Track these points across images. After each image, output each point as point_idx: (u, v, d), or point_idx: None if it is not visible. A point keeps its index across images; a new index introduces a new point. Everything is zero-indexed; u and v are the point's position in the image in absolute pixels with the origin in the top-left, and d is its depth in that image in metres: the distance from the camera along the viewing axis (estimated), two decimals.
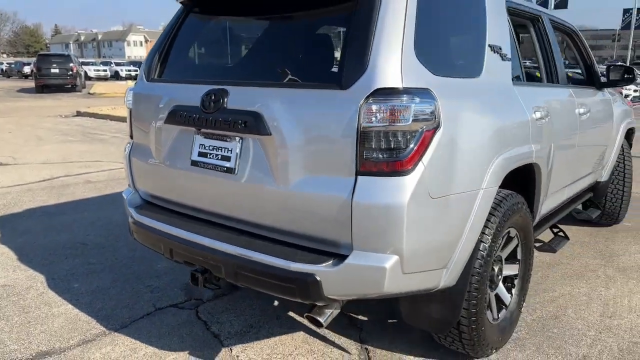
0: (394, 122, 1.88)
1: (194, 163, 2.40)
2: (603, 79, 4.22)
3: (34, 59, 28.67)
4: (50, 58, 24.41)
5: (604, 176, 4.44)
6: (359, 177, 1.92)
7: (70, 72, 23.98)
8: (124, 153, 2.87)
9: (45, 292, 3.39)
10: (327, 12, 2.32)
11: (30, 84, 27.17)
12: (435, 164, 1.97)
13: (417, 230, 1.94)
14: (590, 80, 4.18)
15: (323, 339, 2.85)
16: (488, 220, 2.36)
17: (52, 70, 23.58)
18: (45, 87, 23.78)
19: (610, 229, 4.82)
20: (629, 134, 4.92)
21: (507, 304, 2.77)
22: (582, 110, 3.50)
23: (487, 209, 2.27)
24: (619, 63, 5.11)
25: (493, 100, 2.41)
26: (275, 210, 2.14)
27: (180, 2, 2.74)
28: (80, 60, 37.55)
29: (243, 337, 2.86)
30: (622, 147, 4.59)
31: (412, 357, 2.67)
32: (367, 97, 1.89)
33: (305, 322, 3.00)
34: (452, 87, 2.15)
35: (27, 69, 38.61)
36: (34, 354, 2.68)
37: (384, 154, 1.88)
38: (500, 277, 2.71)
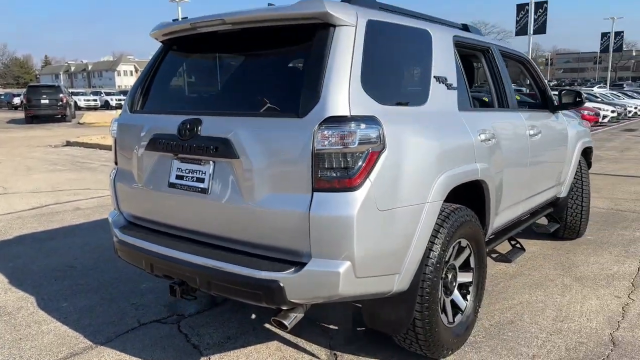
0: (343, 145, 2.16)
1: (172, 185, 2.66)
2: (558, 102, 4.56)
3: (23, 90, 28.95)
4: (40, 89, 24.75)
5: (563, 192, 4.75)
6: (315, 194, 2.19)
7: (60, 103, 24.26)
8: (110, 178, 3.13)
9: (35, 311, 3.59)
10: (288, 51, 2.62)
11: (20, 115, 27.38)
12: (382, 181, 2.25)
13: (366, 238, 2.21)
14: (544, 104, 4.52)
15: (295, 346, 3.08)
16: (437, 230, 2.64)
17: (42, 101, 23.87)
18: (35, 117, 24.04)
19: (573, 242, 5.11)
20: (587, 153, 5.26)
21: (463, 309, 3.02)
22: (532, 132, 3.81)
23: (433, 220, 2.54)
24: (570, 88, 5.51)
25: (437, 125, 2.70)
26: (244, 224, 2.41)
27: (161, 42, 3.05)
28: (70, 90, 37.95)
29: (221, 347, 3.07)
30: (579, 165, 4.92)
31: (373, 359, 2.91)
32: (320, 124, 2.17)
33: (280, 332, 3.23)
34: (397, 114, 2.45)
35: (16, 100, 38.87)
36: None
37: (336, 172, 2.16)
38: (455, 284, 2.97)
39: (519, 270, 4.34)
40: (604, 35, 43.91)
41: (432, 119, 2.70)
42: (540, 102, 4.56)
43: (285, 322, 2.33)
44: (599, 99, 24.92)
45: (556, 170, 4.43)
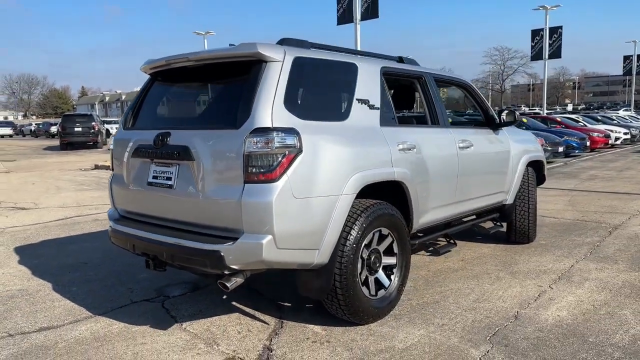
0: (265, 149, 2.93)
1: (149, 183, 3.48)
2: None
3: (59, 120, 30.80)
4: (74, 118, 26.47)
5: (509, 199, 5.38)
6: (246, 185, 2.96)
7: (92, 130, 25.84)
8: (107, 182, 3.97)
9: (50, 293, 4.42)
10: (233, 80, 3.41)
11: (56, 142, 29.13)
12: (298, 176, 3.00)
13: (284, 218, 2.95)
14: (487, 122, 5.20)
15: (252, 317, 3.80)
16: (355, 218, 3.36)
17: (76, 129, 25.48)
18: (69, 144, 25.64)
19: (525, 246, 5.70)
20: (538, 166, 5.90)
21: (387, 286, 3.71)
22: (463, 145, 4.50)
23: (346, 209, 3.26)
24: (507, 107, 6.06)
25: (355, 136, 3.44)
26: (198, 211, 3.19)
27: (148, 74, 3.91)
28: (103, 119, 39.87)
29: (193, 317, 3.82)
30: (527, 176, 5.55)
31: (313, 325, 3.60)
32: (250, 133, 2.96)
33: (242, 307, 3.96)
34: (316, 127, 3.21)
35: (53, 129, 41.06)
36: (37, 328, 3.68)
37: (260, 169, 2.93)
38: (379, 265, 3.67)
39: (463, 266, 4.98)
40: (626, 58, 43.90)
41: (351, 131, 3.45)
42: (485, 120, 5.25)
43: (227, 284, 3.07)
44: (614, 121, 25.12)
45: (496, 179, 5.09)
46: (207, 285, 4.46)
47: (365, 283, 3.57)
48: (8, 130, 49.56)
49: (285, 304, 4.03)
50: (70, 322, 3.78)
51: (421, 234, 4.30)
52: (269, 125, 2.97)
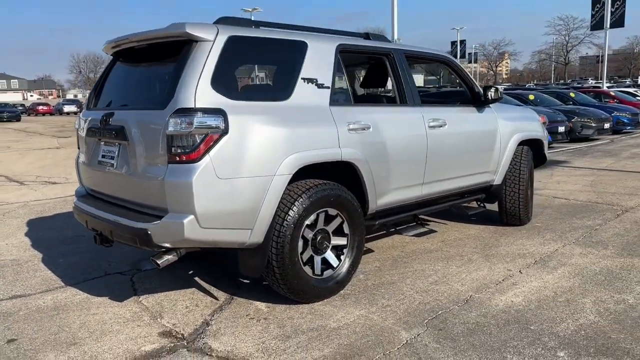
0: (186, 129, 2.98)
1: (99, 162, 3.63)
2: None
3: None
4: None
5: (496, 180, 5.19)
6: (169, 165, 3.03)
7: None
8: (75, 160, 4.17)
9: (37, 263, 4.72)
10: (167, 60, 3.40)
11: None
12: (222, 156, 3.03)
13: (206, 198, 3.00)
14: (472, 99, 5.01)
15: (206, 292, 3.92)
16: (294, 199, 3.37)
17: None
18: None
19: (516, 228, 5.50)
20: (538, 145, 5.64)
21: (335, 267, 3.71)
22: (434, 124, 4.37)
23: (280, 189, 3.27)
24: (493, 85, 5.72)
25: (295, 117, 3.42)
26: (133, 190, 3.31)
27: (110, 55, 4.03)
28: None
29: (152, 290, 3.98)
30: (519, 155, 5.32)
31: (259, 302, 3.67)
32: (172, 114, 3.01)
33: (201, 282, 4.09)
34: (248, 108, 3.22)
35: None
36: (10, 295, 3.96)
37: (181, 149, 2.98)
38: (327, 245, 3.67)
39: (440, 247, 4.88)
40: None
41: (292, 111, 3.43)
42: (470, 97, 5.05)
43: (158, 261, 3.18)
44: None
45: (479, 158, 4.91)
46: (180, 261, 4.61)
47: (310, 262, 3.59)
48: (73, 108, 52.31)
49: (244, 281, 4.13)
50: (41, 291, 4.04)
51: (384, 215, 4.23)
52: (191, 105, 3.01)
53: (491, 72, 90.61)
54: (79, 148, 4.12)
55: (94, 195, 3.89)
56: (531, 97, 15.51)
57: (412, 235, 4.63)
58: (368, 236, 5.08)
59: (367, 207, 3.92)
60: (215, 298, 3.79)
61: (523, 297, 3.69)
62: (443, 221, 5.83)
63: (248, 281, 4.10)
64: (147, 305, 3.72)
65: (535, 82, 75.57)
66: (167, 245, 3.10)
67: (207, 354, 2.99)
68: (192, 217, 3.00)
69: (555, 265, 4.33)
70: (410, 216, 4.47)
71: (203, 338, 3.18)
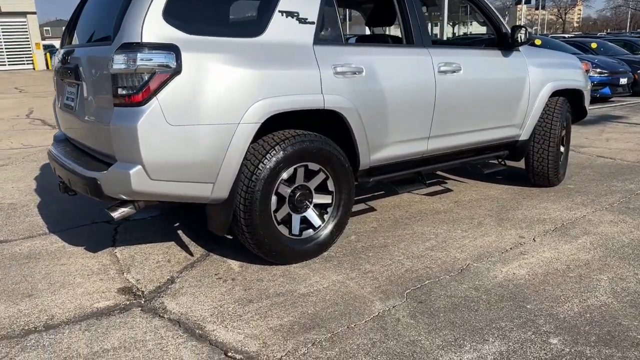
0: (130, 67, 2.63)
1: (65, 105, 3.38)
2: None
3: None
4: None
5: (523, 135, 4.61)
6: (115, 108, 2.72)
7: None
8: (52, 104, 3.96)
9: (32, 209, 4.65)
10: None
11: None
12: (173, 99, 2.69)
13: (155, 147, 2.69)
14: (499, 41, 4.38)
15: (184, 247, 3.69)
16: (267, 150, 3.02)
17: None
18: None
19: (544, 189, 4.93)
20: (578, 97, 4.98)
21: (317, 227, 3.37)
22: (446, 69, 3.83)
23: (247, 140, 2.91)
24: (522, 25, 4.90)
25: (267, 56, 3.00)
26: (89, 134, 3.04)
27: None
28: None
29: (131, 242, 3.79)
30: (552, 108, 4.69)
31: (234, 261, 3.40)
32: (117, 49, 2.67)
33: (183, 237, 3.87)
34: (209, 44, 2.83)
35: None
36: None
37: (126, 90, 2.66)
38: (308, 203, 3.32)
39: (450, 208, 4.42)
40: None
41: (264, 50, 3.01)
42: (495, 40, 4.43)
43: (112, 214, 2.94)
44: None
45: (502, 110, 4.33)
46: (169, 212, 4.41)
47: (287, 222, 3.26)
48: None
49: (228, 236, 3.87)
50: (23, 237, 3.94)
51: (380, 172, 3.80)
52: (136, 40, 2.66)
53: (560, 20, 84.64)
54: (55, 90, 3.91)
55: (69, 141, 3.68)
56: (593, 45, 14.13)
57: (409, 192, 4.18)
58: (375, 194, 4.69)
59: (359, 162, 3.51)
60: (191, 254, 3.56)
61: (528, 269, 3.23)
62: (462, 179, 5.32)
63: (231, 237, 3.84)
64: (119, 257, 3.54)
65: (608, 31, 69.80)
66: (118, 196, 2.85)
67: (159, 315, 2.77)
68: (139, 167, 2.71)
69: (577, 234, 3.80)
70: (413, 174, 4.02)
71: (161, 297, 2.96)
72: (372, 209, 4.37)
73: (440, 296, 2.90)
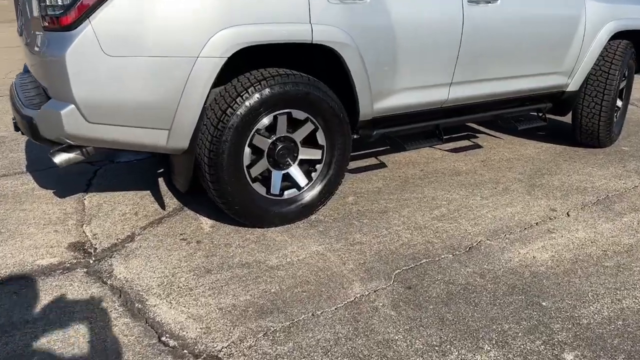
0: None
1: (18, 29, 2.93)
2: None
3: None
4: None
5: (572, 85, 3.86)
6: (45, 33, 2.24)
7: None
8: None
9: (19, 144, 4.33)
10: None
11: None
12: (111, 24, 2.17)
13: (90, 83, 2.21)
14: None
15: (157, 197, 3.27)
16: (239, 93, 2.49)
17: None
18: None
19: (592, 151, 4.20)
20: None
21: (302, 186, 2.86)
22: None
23: (209, 78, 2.38)
24: None
25: None
26: (30, 63, 2.60)
27: None
28: None
29: (104, 188, 3.41)
30: (612, 52, 3.88)
31: (207, 219, 2.97)
32: None
33: (161, 185, 3.46)
34: None
35: None
36: None
37: (53, 9, 2.15)
38: (291, 158, 2.81)
39: (474, 168, 3.79)
40: None
41: None
42: None
43: (54, 159, 2.53)
44: None
45: (547, 54, 3.58)
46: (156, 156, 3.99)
47: (266, 179, 2.78)
48: None
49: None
50: (2, 175, 3.65)
51: (386, 124, 3.20)
52: None
53: None
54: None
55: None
56: None
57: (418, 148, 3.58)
58: (387, 147, 4.09)
59: (358, 112, 2.93)
60: (163, 207, 3.14)
61: (553, 252, 2.64)
62: (496, 134, 4.63)
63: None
64: (86, 205, 3.17)
65: None
66: (57, 139, 2.41)
67: (102, 281, 2.39)
68: (71, 107, 2.24)
69: (622, 210, 3.14)
70: (429, 127, 3.39)
71: (112, 258, 2.57)
72: (382, 165, 3.80)
73: (435, 281, 2.38)
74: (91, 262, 2.55)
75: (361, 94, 2.87)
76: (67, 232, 2.83)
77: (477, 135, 4.58)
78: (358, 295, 2.28)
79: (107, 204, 3.18)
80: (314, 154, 2.86)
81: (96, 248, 2.68)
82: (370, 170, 3.70)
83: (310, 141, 2.84)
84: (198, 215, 3.02)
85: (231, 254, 2.60)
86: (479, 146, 4.26)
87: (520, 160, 3.98)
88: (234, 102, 2.50)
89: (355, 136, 3.11)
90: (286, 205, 2.83)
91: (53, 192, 3.35)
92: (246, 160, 2.65)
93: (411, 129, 3.30)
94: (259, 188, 2.75)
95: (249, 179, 2.68)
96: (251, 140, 2.63)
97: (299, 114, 2.72)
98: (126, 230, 2.86)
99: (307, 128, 2.78)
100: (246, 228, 2.84)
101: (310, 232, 2.83)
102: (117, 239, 2.76)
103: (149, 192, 3.36)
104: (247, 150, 2.63)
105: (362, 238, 2.76)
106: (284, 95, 2.59)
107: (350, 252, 2.62)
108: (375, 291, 2.30)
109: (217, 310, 2.17)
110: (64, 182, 3.49)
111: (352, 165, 3.68)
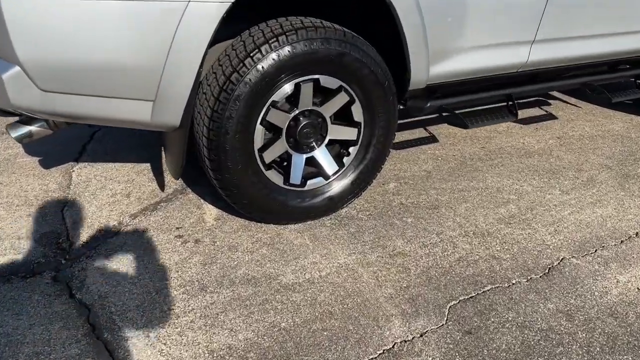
0: None
1: None
2: None
3: None
4: None
5: None
6: None
7: None
8: None
9: None
10: None
11: None
12: None
13: (39, 35, 1.58)
14: None
15: (157, 175, 2.71)
16: (248, 53, 1.84)
17: None
18: None
19: None
20: None
21: (330, 174, 2.22)
22: None
23: (206, 30, 1.72)
24: None
25: None
26: None
27: None
28: None
29: (97, 159, 2.86)
30: None
31: (213, 208, 2.39)
32: None
33: (164, 158, 2.88)
34: None
35: None
36: None
37: None
38: (317, 138, 2.16)
39: (549, 147, 3.05)
40: None
41: None
42: None
43: (10, 133, 1.96)
44: None
45: None
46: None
47: (285, 164, 2.16)
48: None
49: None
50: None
51: (445, 92, 2.48)
52: None
53: None
54: None
55: None
56: None
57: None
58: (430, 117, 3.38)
59: (409, 77, 2.22)
60: (162, 186, 2.58)
61: None
62: (572, 100, 3.81)
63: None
64: (73, 179, 2.63)
65: None
66: (5, 108, 1.84)
67: (69, 293, 1.86)
68: (16, 69, 1.64)
69: None
70: (498, 98, 2.65)
71: (88, 259, 2.04)
72: (432, 139, 3.08)
73: (505, 323, 1.75)
74: (63, 262, 2.03)
75: (415, 53, 2.15)
76: (42, 218, 2.31)
77: (550, 101, 3.78)
78: (398, 340, 1.68)
79: (97, 179, 2.63)
80: (348, 134, 2.20)
81: (72, 242, 2.15)
82: (418, 146, 3.00)
83: (343, 117, 2.18)
84: (202, 201, 2.44)
85: (235, 263, 2.02)
86: (552, 117, 3.47)
87: (606, 138, 3.20)
88: (241, 64, 1.84)
89: (401, 107, 2.43)
90: (309, 198, 2.21)
91: (38, 161, 2.82)
92: (258, 142, 2.02)
93: (476, 101, 2.57)
94: (274, 177, 2.12)
95: (261, 165, 2.06)
96: (265, 115, 1.98)
97: (329, 82, 2.04)
98: (113, 217, 2.31)
99: (340, 100, 2.11)
100: (257, 224, 2.25)
101: (338, 233, 2.21)
102: (99, 231, 2.22)
103: (149, 165, 2.79)
104: (259, 128, 1.99)
105: (405, 246, 2.13)
106: (310, 56, 1.91)
107: (389, 268, 2.01)
108: (421, 335, 1.70)
109: (207, 354, 1.62)
110: (54, 148, 2.96)
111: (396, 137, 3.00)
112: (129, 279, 1.93)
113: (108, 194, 2.51)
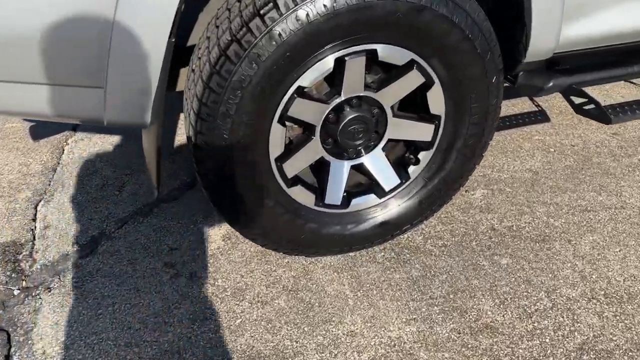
0: None
1: None
2: None
3: None
4: None
5: None
6: None
7: None
8: None
9: None
10: None
11: None
12: None
13: None
14: None
15: (153, 175, 2.09)
16: (259, 11, 1.10)
17: None
18: None
19: None
20: None
21: (387, 189, 1.48)
22: None
23: None
24: None
25: None
26: None
27: None
28: None
29: (93, 131, 2.27)
30: None
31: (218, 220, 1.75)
32: None
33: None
34: None
35: None
36: None
37: None
38: (368, 137, 1.41)
39: None
40: None
41: None
42: None
43: None
44: None
45: None
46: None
47: (320, 176, 1.45)
48: None
49: None
50: None
51: (582, 65, 1.60)
52: None
53: None
54: None
55: None
56: None
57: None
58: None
59: (527, 44, 1.38)
60: (157, 189, 1.95)
61: None
62: None
63: None
64: (63, 159, 2.07)
65: None
66: None
67: (8, 343, 1.33)
68: None
69: None
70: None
71: (48, 289, 1.49)
72: (541, 116, 2.14)
73: None
74: (15, 292, 1.49)
75: (540, 8, 1.30)
76: (8, 217, 1.77)
77: None
78: None
79: (90, 160, 2.05)
80: (419, 132, 1.43)
81: (35, 260, 1.60)
82: (519, 127, 2.14)
83: (411, 107, 1.40)
84: (210, 206, 1.79)
85: (237, 323, 1.38)
86: None
87: None
88: (244, 29, 1.10)
89: (506, 84, 1.60)
90: (353, 224, 1.49)
91: (29, 130, 2.27)
92: (275, 149, 1.30)
93: (622, 78, 1.67)
94: (301, 195, 1.42)
95: (280, 181, 1.36)
96: (286, 109, 1.25)
97: (394, 54, 1.26)
98: (94, 223, 1.73)
99: (411, 81, 1.32)
100: (282, 257, 1.59)
101: (393, 277, 1.50)
102: (73, 244, 1.65)
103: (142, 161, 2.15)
104: (276, 129, 1.27)
105: (496, 314, 1.39)
106: (362, 14, 1.14)
107: (468, 357, 1.29)
108: None
109: None
110: (49, 141, 2.37)
111: None
112: (87, 337, 1.36)
113: (97, 183, 1.93)
